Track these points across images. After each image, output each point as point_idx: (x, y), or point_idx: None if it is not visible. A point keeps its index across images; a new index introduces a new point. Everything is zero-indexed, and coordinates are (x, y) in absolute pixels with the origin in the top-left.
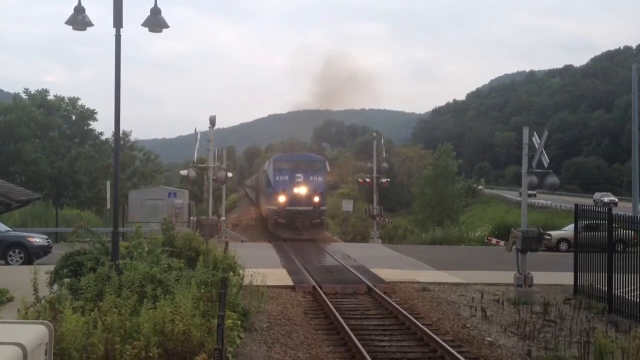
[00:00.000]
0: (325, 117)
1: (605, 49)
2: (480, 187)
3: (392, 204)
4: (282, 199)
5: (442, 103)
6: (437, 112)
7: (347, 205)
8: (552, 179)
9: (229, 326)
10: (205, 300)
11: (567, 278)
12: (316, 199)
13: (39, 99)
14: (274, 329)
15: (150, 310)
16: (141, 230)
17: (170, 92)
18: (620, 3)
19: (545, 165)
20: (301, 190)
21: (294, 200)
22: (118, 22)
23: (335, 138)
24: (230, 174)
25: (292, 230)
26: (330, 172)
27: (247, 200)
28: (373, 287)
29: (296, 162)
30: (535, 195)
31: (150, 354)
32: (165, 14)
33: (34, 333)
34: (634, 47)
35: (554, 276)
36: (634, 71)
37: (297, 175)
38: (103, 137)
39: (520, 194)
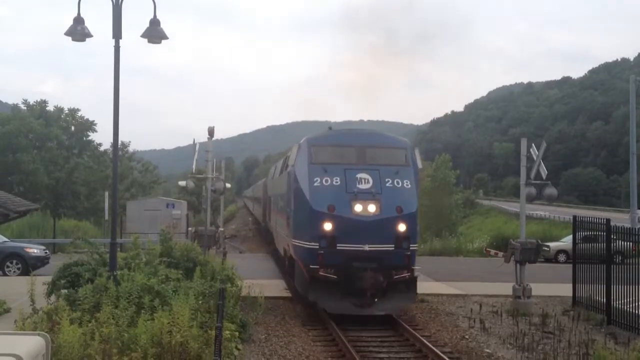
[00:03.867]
0: (323, 127)
1: (603, 61)
2: (477, 200)
3: None
4: (326, 227)
5: (441, 114)
6: (435, 123)
7: None
8: (551, 190)
9: (227, 337)
10: (203, 311)
11: (565, 289)
12: (401, 227)
13: (38, 109)
14: (272, 340)
15: (148, 322)
16: (139, 241)
17: (168, 104)
18: (617, 15)
19: (544, 177)
20: (370, 207)
21: (353, 230)
22: (117, 33)
23: None
24: (228, 185)
25: (349, 297)
26: None
27: (245, 211)
28: None
29: (359, 149)
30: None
31: None
32: (163, 25)
33: (31, 344)
34: (632, 59)
35: (553, 288)
36: (631, 83)
37: (361, 176)
38: (102, 148)
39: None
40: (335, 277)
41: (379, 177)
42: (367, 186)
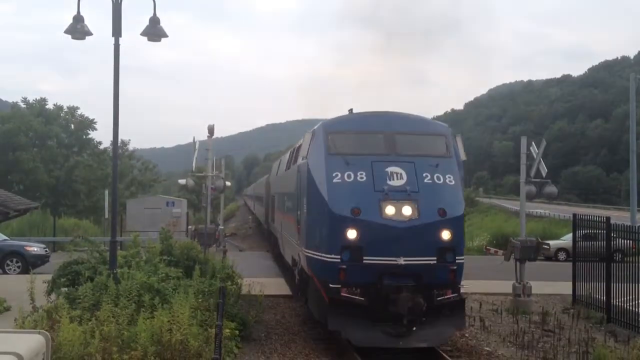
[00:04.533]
0: None
1: (603, 59)
2: (477, 198)
3: None
4: (350, 235)
5: (440, 112)
6: None
7: None
8: (550, 189)
9: (227, 336)
10: (203, 309)
11: (565, 288)
12: (445, 235)
13: (38, 108)
14: (272, 339)
15: (148, 320)
16: (139, 240)
17: (168, 102)
18: (617, 13)
19: (544, 175)
20: (405, 209)
21: (384, 238)
22: (117, 32)
23: None
24: (228, 183)
25: (380, 325)
26: None
27: (245, 209)
28: None
29: (388, 137)
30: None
31: None
32: (163, 23)
33: (31, 343)
34: (632, 57)
35: (553, 286)
36: (631, 81)
37: (392, 170)
38: (101, 147)
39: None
40: (362, 299)
41: (414, 171)
42: (401, 183)
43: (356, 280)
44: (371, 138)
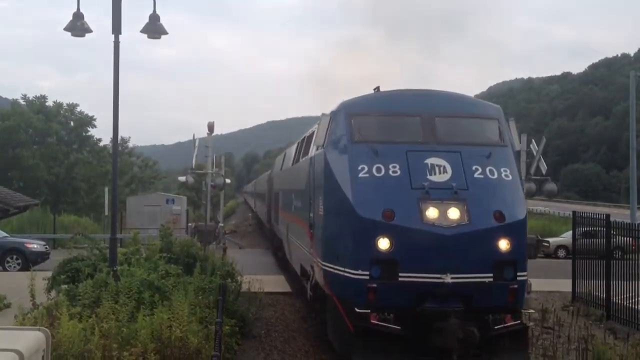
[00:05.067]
0: None
1: (603, 56)
2: None
3: None
4: (382, 245)
5: None
6: None
7: None
8: (550, 186)
9: (227, 333)
10: (203, 306)
11: (565, 285)
12: (503, 244)
13: (38, 105)
14: (272, 336)
15: (148, 317)
16: (139, 237)
17: (168, 99)
18: (617, 10)
19: (544, 172)
20: (451, 212)
21: (425, 250)
22: (117, 29)
23: None
24: (228, 180)
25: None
26: None
27: (245, 206)
28: None
29: (427, 120)
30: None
31: None
32: (163, 20)
33: (32, 339)
34: (632, 55)
35: (552, 283)
36: (631, 78)
37: (434, 161)
38: (101, 144)
39: None
40: (397, 327)
41: (461, 163)
42: (444, 178)
43: (389, 303)
44: (406, 121)
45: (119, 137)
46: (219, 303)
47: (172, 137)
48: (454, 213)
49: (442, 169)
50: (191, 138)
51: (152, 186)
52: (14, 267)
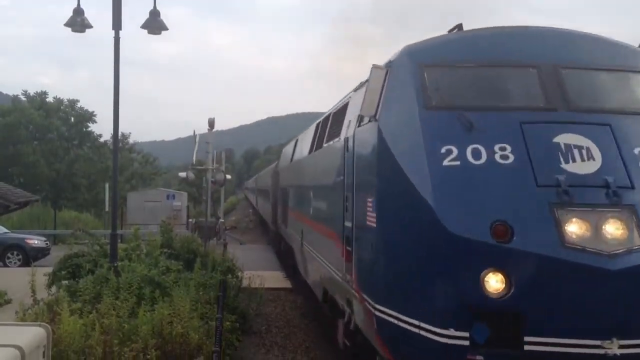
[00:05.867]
0: None
1: None
2: None
3: None
4: (491, 285)
5: None
6: None
7: None
8: None
9: (227, 328)
10: (204, 302)
11: None
12: None
13: (38, 101)
14: (273, 332)
15: (149, 313)
16: (139, 233)
17: (169, 95)
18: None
19: None
20: (611, 229)
21: (569, 293)
22: (117, 24)
23: None
24: (229, 176)
25: None
26: None
27: (246, 203)
28: None
29: (550, 74)
30: None
31: (149, 357)
32: (163, 16)
33: (32, 335)
34: None
35: None
36: None
37: (569, 140)
38: (102, 140)
39: None
40: None
41: (615, 142)
42: (592, 168)
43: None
44: (514, 76)
45: (120, 133)
46: (219, 299)
47: (172, 133)
48: (616, 229)
49: (585, 152)
50: (192, 134)
51: (153, 182)
52: (15, 263)
